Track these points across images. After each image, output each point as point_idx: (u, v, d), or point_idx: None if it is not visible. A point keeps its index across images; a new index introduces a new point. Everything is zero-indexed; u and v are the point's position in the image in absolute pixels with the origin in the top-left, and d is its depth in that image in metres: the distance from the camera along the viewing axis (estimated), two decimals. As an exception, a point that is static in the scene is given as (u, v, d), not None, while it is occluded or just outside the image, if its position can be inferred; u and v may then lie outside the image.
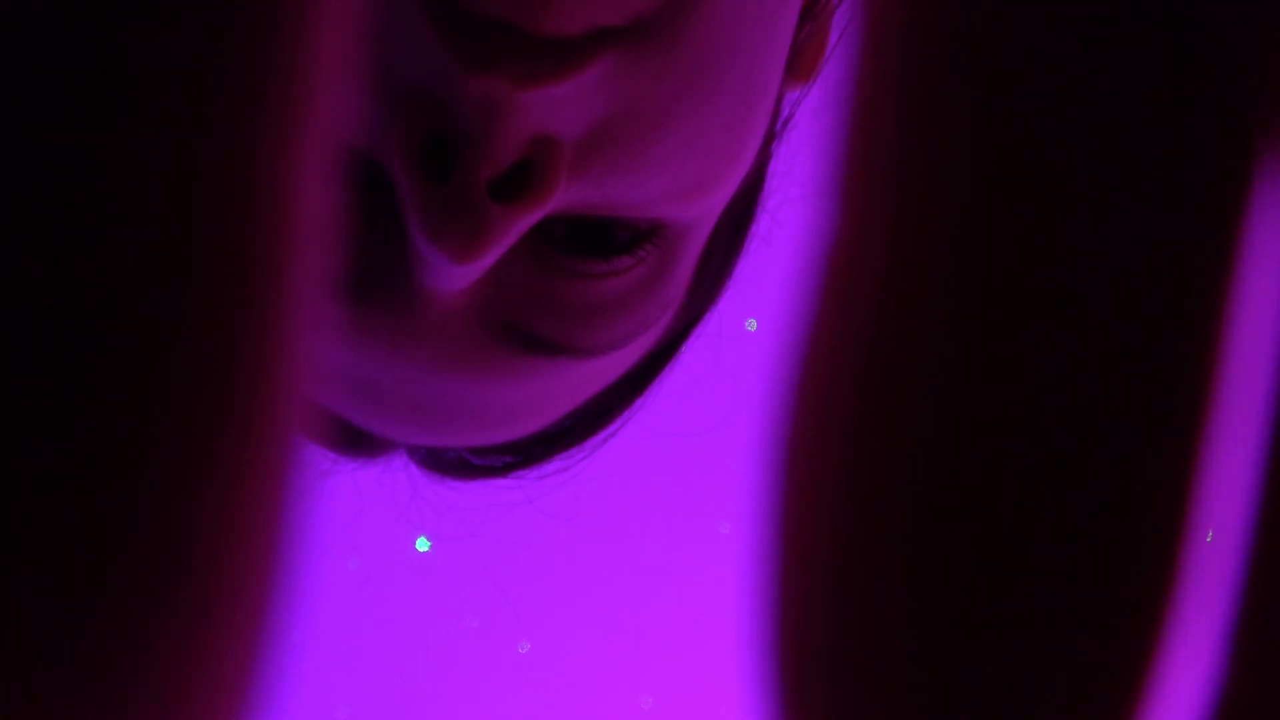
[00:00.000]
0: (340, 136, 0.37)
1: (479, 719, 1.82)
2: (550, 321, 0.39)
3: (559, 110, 0.35)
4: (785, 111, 0.46)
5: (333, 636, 1.77)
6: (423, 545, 1.77)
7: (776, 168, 0.47)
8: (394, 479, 0.52)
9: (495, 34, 0.33)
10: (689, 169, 0.38)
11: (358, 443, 0.48)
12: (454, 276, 0.36)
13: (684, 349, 0.49)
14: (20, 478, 0.16)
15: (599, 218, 0.38)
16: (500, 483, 0.51)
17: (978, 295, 0.17)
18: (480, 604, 1.80)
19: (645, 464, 1.70)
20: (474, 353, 0.39)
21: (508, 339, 0.39)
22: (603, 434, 0.49)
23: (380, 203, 0.38)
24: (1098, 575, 0.17)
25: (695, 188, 0.39)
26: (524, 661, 1.78)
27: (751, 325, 1.75)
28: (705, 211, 0.41)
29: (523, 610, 1.77)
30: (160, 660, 0.17)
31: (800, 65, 0.45)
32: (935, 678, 0.17)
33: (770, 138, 0.45)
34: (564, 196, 0.36)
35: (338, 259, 0.38)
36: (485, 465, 0.49)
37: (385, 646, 1.81)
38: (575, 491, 0.53)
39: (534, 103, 0.34)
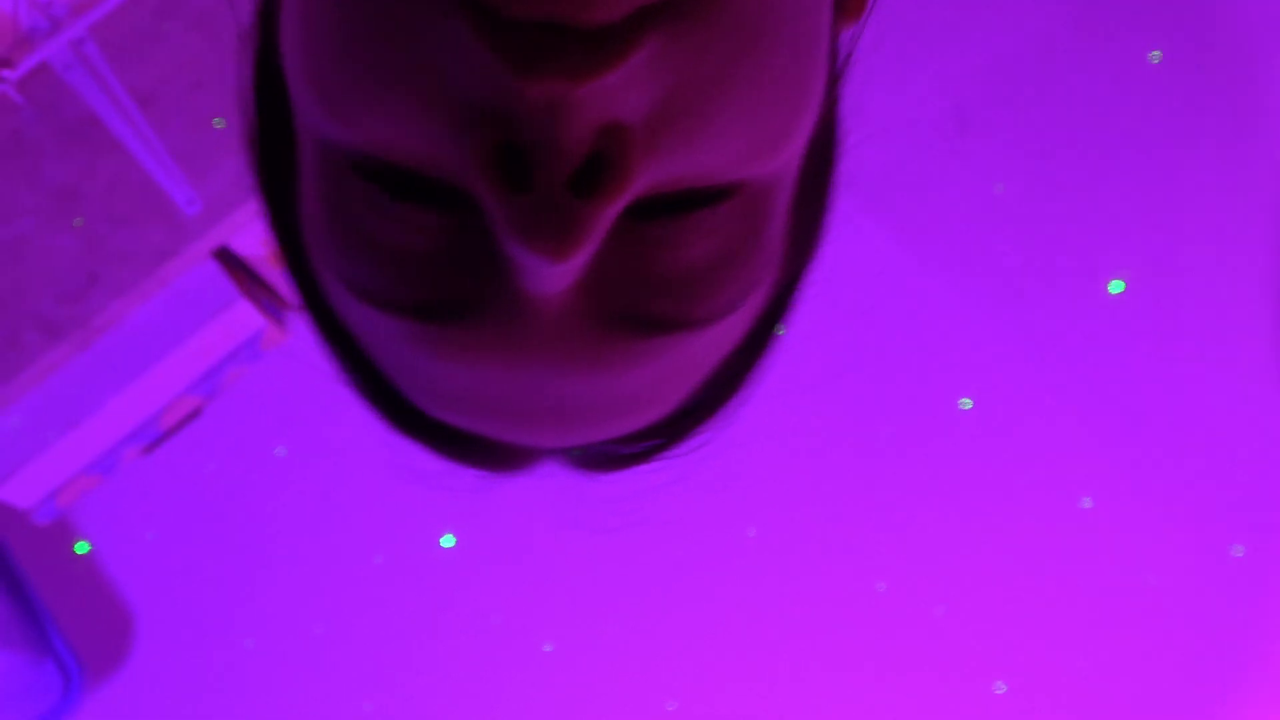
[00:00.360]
0: (418, 169, 0.37)
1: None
2: (660, 300, 0.40)
3: (619, 96, 0.35)
4: (843, 51, 0.46)
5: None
6: (448, 541, 1.78)
7: (846, 107, 0.47)
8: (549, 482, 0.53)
9: (543, 36, 0.33)
10: (758, 126, 0.38)
11: (508, 458, 0.48)
12: (554, 277, 0.37)
13: (797, 301, 0.48)
14: None
15: (683, 191, 0.38)
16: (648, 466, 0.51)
17: None
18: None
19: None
20: (594, 346, 0.40)
21: (624, 326, 0.40)
22: (737, 398, 0.49)
23: (471, 224, 0.38)
24: None
25: (768, 143, 0.39)
26: (547, 660, 1.79)
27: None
28: (784, 164, 0.41)
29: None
30: None
31: (849, 3, 0.45)
32: None
33: (834, 79, 0.45)
34: (644, 178, 0.37)
35: (441, 288, 0.38)
36: (634, 452, 0.49)
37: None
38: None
39: (593, 95, 0.34)
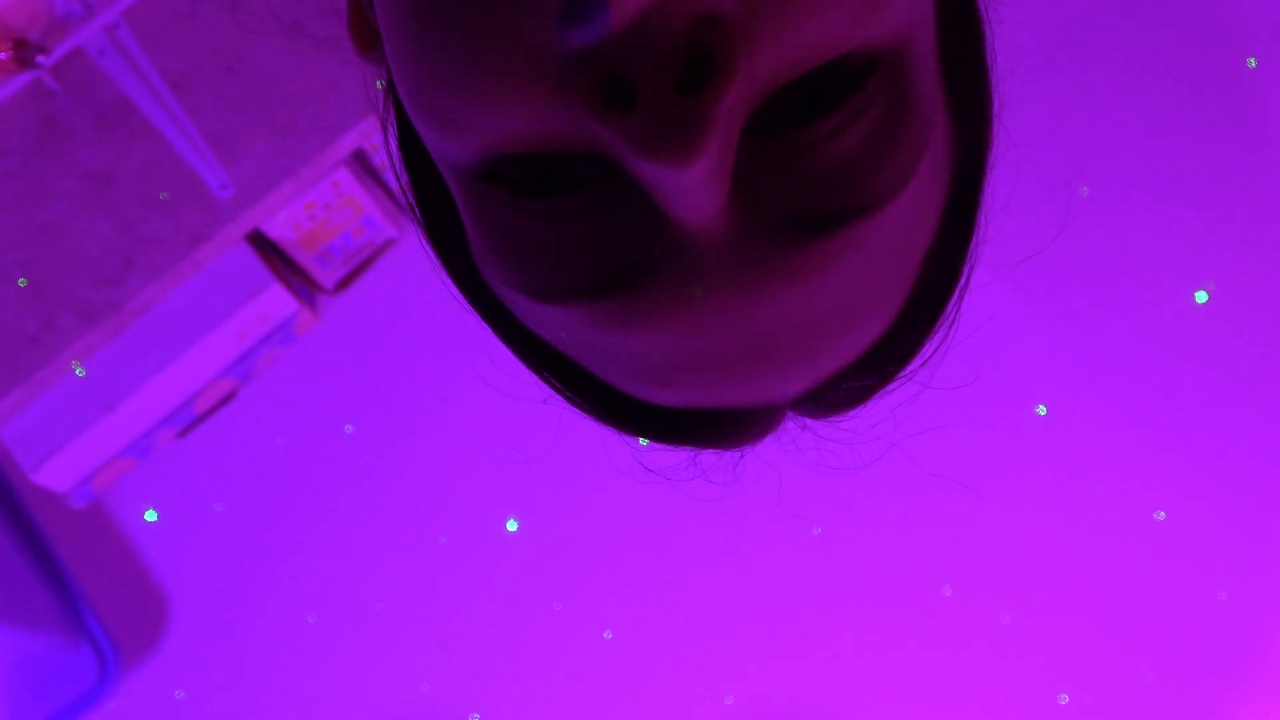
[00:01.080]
0: (543, 149, 0.37)
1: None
2: (824, 193, 0.38)
3: None
4: None
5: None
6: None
7: None
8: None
9: None
10: None
11: (742, 423, 0.46)
12: (696, 189, 0.35)
13: (991, 168, 0.45)
14: None
15: (803, 78, 0.37)
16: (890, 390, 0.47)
17: None
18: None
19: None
20: (774, 260, 0.38)
21: (797, 230, 0.38)
22: (959, 285, 0.46)
23: (612, 194, 0.38)
24: None
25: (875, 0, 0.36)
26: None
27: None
28: (906, 19, 0.38)
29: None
30: None
31: None
32: None
33: None
34: (756, 67, 0.35)
35: (608, 262, 0.38)
36: (872, 379, 0.46)
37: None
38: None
39: None
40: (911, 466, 1.72)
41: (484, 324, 0.48)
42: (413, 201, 0.48)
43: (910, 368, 0.47)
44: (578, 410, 0.47)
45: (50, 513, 1.74)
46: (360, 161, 1.70)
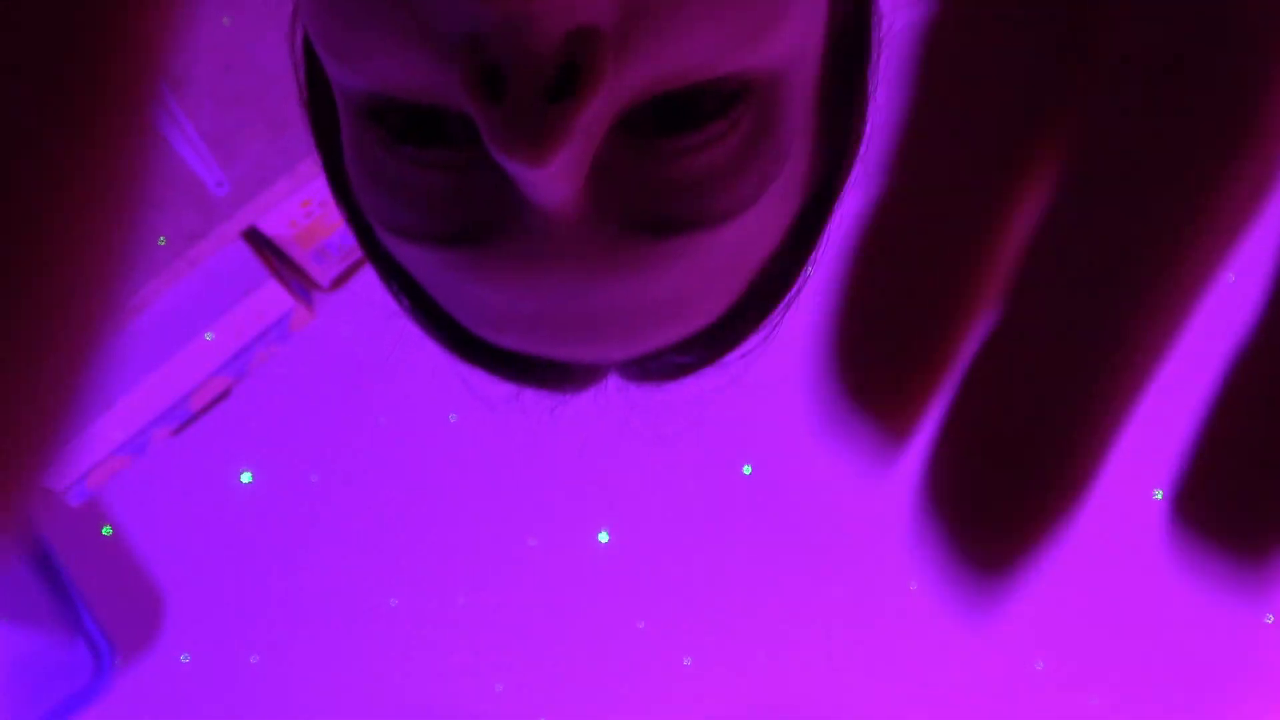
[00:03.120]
0: (420, 103, 0.39)
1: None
2: (674, 201, 0.41)
3: (581, 2, 0.36)
4: None
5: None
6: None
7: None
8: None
9: None
10: (732, 11, 0.38)
11: (565, 375, 0.50)
12: (547, 184, 0.38)
13: (842, 193, 0.48)
14: None
15: (678, 92, 0.39)
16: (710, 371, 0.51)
17: None
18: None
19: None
20: (613, 253, 0.41)
21: (640, 229, 0.41)
22: (788, 296, 0.50)
23: (479, 156, 0.41)
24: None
25: (755, 29, 0.39)
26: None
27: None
28: (787, 53, 0.41)
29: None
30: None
31: None
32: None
33: None
34: (626, 80, 0.38)
35: (463, 216, 0.40)
36: (690, 360, 0.50)
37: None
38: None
39: (552, 4, 0.35)
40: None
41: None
42: (306, 101, 0.50)
43: (728, 358, 0.51)
44: (422, 331, 0.51)
45: (46, 510, 1.74)
46: (356, 159, 1.70)
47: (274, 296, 1.62)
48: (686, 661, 1.75)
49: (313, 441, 1.81)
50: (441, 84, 0.39)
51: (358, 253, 1.76)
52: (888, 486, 1.76)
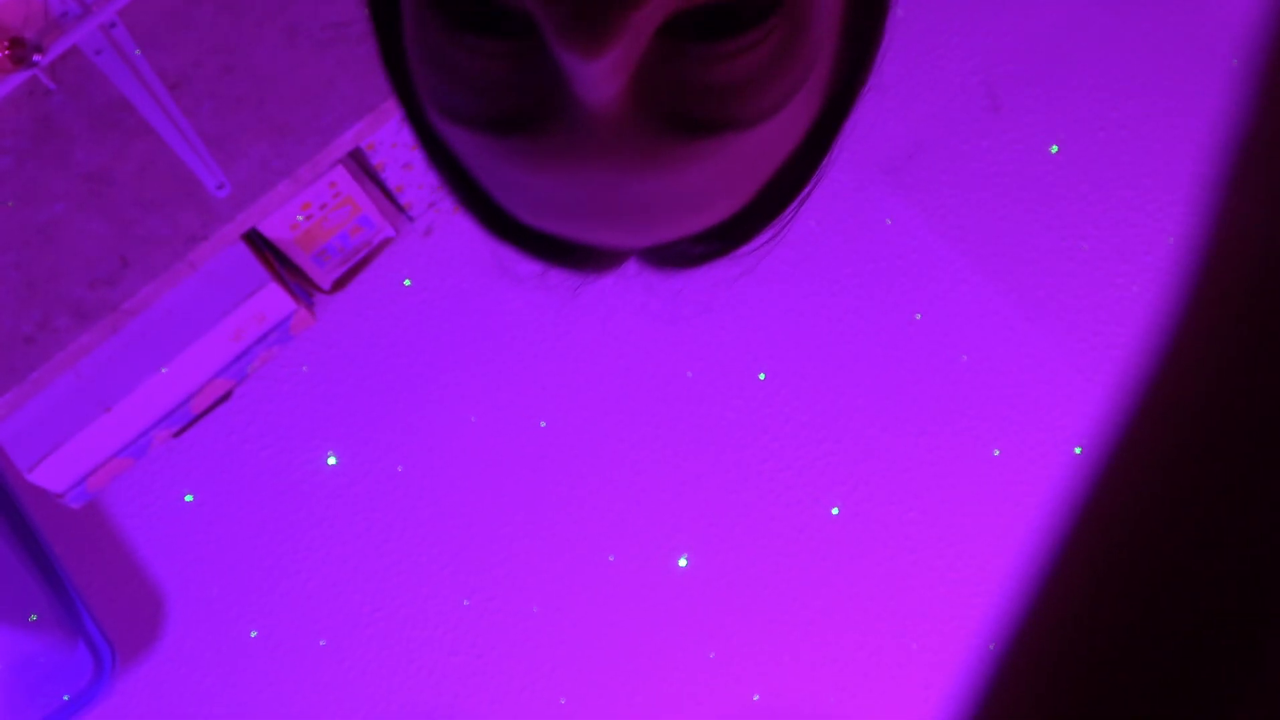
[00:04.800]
0: None
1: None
2: (708, 103, 0.43)
3: None
4: None
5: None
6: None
7: None
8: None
9: None
10: None
11: (591, 258, 0.55)
12: (597, 78, 0.41)
13: (858, 105, 0.52)
14: None
15: (719, 3, 0.42)
16: (723, 261, 0.56)
17: None
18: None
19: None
20: (648, 149, 0.44)
21: (675, 127, 0.44)
22: (800, 196, 0.54)
23: (532, 49, 0.43)
24: None
25: None
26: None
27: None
28: None
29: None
30: None
31: None
32: None
33: None
34: None
35: (510, 104, 0.44)
36: (705, 251, 0.54)
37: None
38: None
39: None
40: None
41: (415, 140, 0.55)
42: None
43: (740, 250, 0.55)
44: (462, 207, 0.55)
45: (46, 512, 1.74)
46: (357, 161, 1.70)
47: (275, 299, 1.62)
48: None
49: (314, 443, 1.81)
50: None
51: (358, 255, 1.76)
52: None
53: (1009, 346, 1.79)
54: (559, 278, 0.57)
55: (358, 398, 1.82)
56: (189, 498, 1.81)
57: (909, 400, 1.78)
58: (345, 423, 1.81)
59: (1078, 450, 1.73)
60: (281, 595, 1.79)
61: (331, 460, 1.80)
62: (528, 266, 0.56)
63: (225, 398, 1.72)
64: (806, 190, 0.54)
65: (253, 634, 1.78)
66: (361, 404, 1.81)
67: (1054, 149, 1.82)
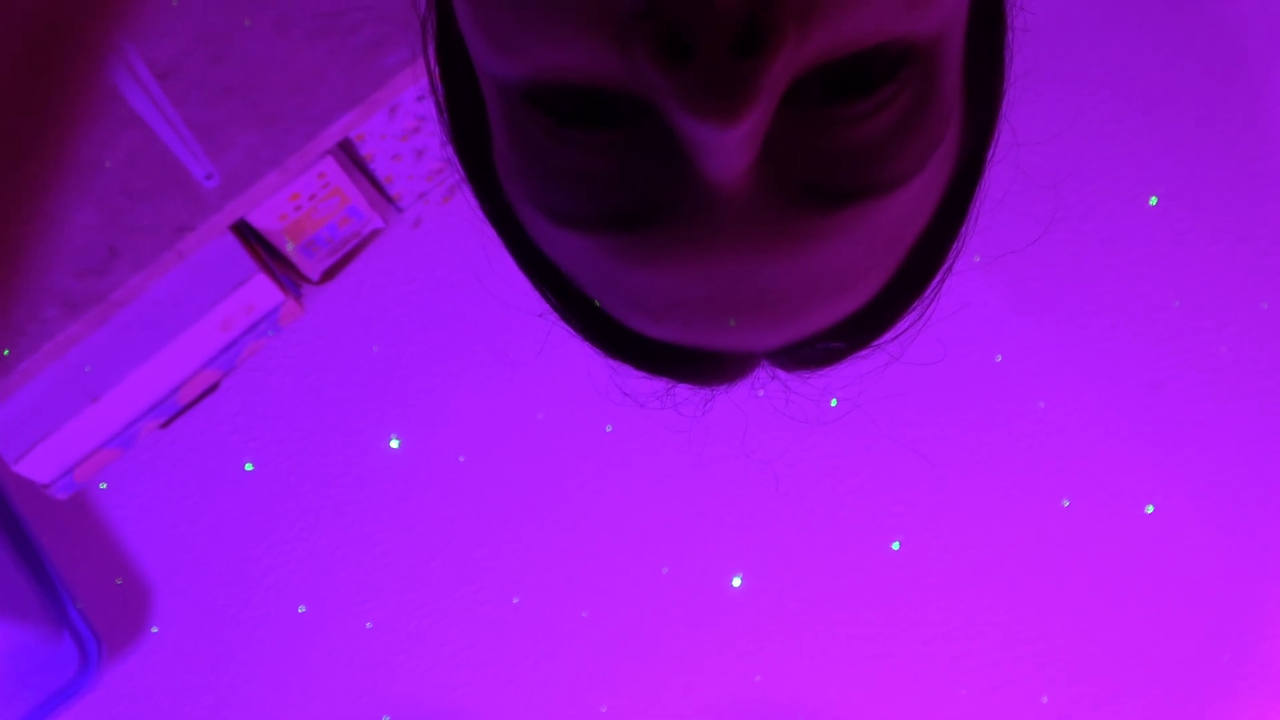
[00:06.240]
0: (589, 85, 0.39)
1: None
2: (844, 169, 0.40)
3: None
4: None
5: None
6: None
7: None
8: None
9: None
10: None
11: (722, 366, 0.49)
12: (732, 149, 0.37)
13: (990, 162, 0.48)
14: None
15: (847, 59, 0.39)
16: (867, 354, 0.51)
17: None
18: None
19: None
20: (786, 225, 0.40)
21: (811, 200, 0.40)
22: (943, 270, 0.49)
23: (644, 135, 0.40)
24: None
25: None
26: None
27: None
28: (946, 16, 0.41)
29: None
30: None
31: None
32: None
33: None
34: (805, 43, 0.38)
35: (629, 197, 0.41)
36: (846, 345, 0.49)
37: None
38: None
39: None
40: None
41: (499, 247, 0.51)
42: (444, 102, 0.50)
43: (884, 339, 0.50)
44: (568, 327, 0.50)
45: (32, 503, 1.73)
46: (347, 151, 1.69)
47: (263, 290, 1.62)
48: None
49: (302, 435, 1.80)
50: (613, 62, 0.38)
51: (347, 246, 1.75)
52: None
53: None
54: (686, 393, 0.52)
55: (347, 389, 1.81)
56: (177, 489, 1.80)
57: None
58: (335, 413, 1.80)
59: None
60: (269, 588, 1.79)
61: (317, 451, 1.80)
62: (649, 384, 0.51)
63: (213, 389, 1.71)
64: (948, 263, 0.49)
65: (239, 627, 1.78)
66: (351, 395, 1.81)
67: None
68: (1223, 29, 1.82)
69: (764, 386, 0.52)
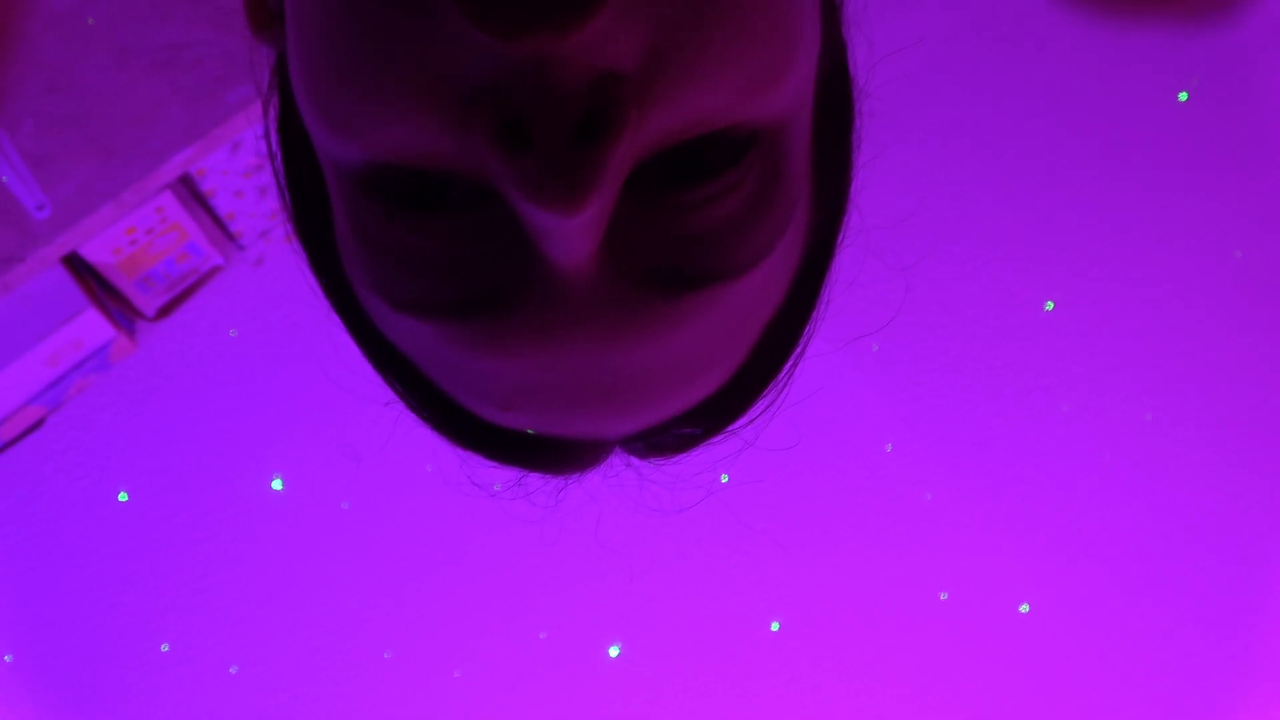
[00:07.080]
0: (429, 167, 0.38)
1: None
2: (690, 254, 0.40)
3: (606, 46, 0.36)
4: None
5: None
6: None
7: (852, 37, 0.47)
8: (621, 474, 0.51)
9: (522, 2, 0.34)
10: (750, 58, 0.38)
11: (573, 454, 0.48)
12: (575, 236, 0.37)
13: (839, 248, 0.48)
14: None
15: (689, 143, 0.39)
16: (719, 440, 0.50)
17: None
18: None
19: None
20: (633, 311, 0.40)
21: (658, 285, 0.40)
22: (795, 353, 0.48)
23: (485, 220, 0.39)
24: None
25: (765, 76, 0.39)
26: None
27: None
28: (791, 101, 0.41)
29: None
30: None
31: None
32: None
33: (832, 8, 0.45)
34: (647, 127, 0.37)
35: (471, 284, 0.39)
36: (701, 430, 0.48)
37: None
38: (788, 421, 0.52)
39: (579, 46, 0.35)
40: (729, 517, 1.76)
41: (338, 327, 0.49)
42: (284, 185, 0.49)
43: (737, 424, 0.49)
44: (416, 417, 0.49)
45: None
46: (187, 187, 1.66)
47: (93, 325, 1.57)
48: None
49: (129, 474, 1.75)
50: (451, 143, 0.37)
51: (186, 283, 1.72)
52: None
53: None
54: (538, 482, 0.50)
55: (181, 428, 1.77)
56: (-6, 529, 1.73)
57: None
58: (166, 452, 1.76)
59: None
60: (91, 631, 1.73)
61: (126, 496, 1.75)
62: (500, 474, 0.50)
63: (37, 425, 1.66)
64: (800, 347, 0.48)
65: (83, 674, 1.71)
66: (184, 435, 1.77)
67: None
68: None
69: (618, 475, 0.52)
